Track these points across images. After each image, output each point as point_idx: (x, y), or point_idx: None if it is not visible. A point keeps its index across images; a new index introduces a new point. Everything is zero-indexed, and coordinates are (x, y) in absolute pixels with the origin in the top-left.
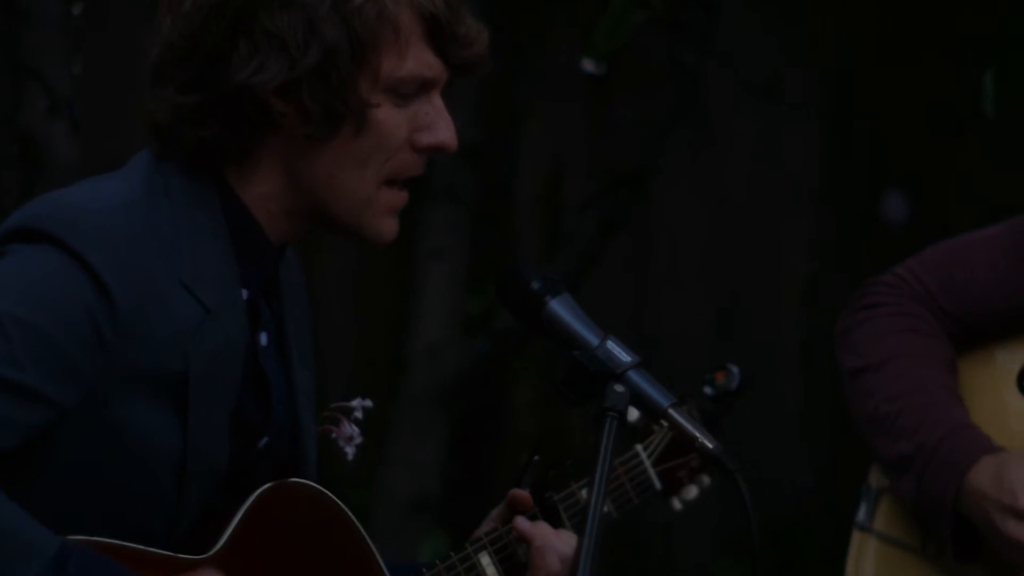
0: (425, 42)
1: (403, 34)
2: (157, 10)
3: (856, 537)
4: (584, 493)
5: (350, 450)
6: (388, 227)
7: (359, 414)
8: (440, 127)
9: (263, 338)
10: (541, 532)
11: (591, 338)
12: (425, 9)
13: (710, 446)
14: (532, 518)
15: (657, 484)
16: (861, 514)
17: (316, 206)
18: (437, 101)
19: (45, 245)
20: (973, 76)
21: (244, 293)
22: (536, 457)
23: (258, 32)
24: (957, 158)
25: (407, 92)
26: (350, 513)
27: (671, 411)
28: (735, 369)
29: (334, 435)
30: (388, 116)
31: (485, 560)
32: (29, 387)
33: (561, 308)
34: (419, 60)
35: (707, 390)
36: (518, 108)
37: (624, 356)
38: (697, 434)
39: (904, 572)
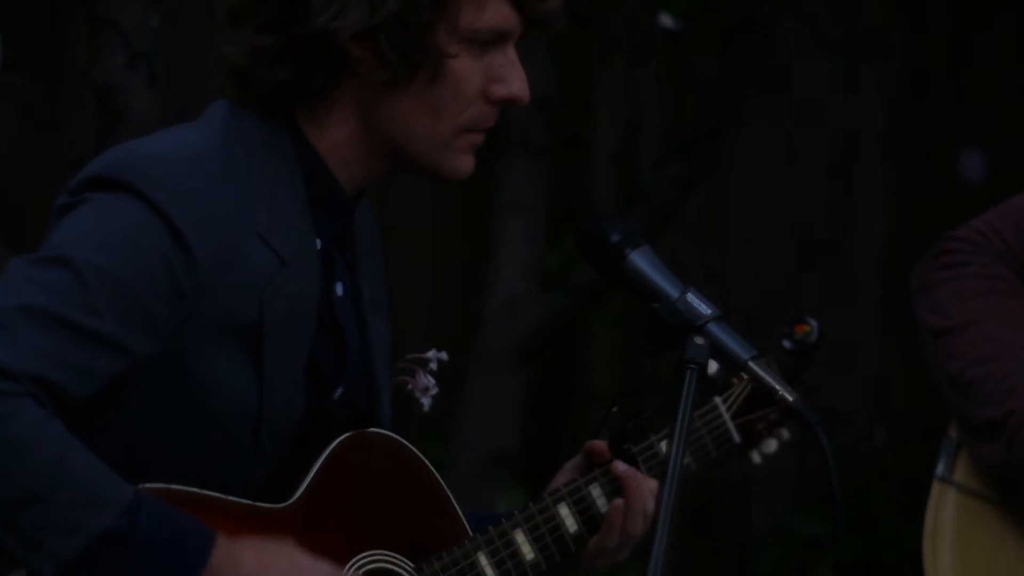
0: None
1: None
2: None
3: (936, 489)
4: (663, 446)
5: (426, 401)
6: (465, 163)
7: (434, 365)
8: (514, 79)
9: (338, 288)
10: (635, 478)
11: (671, 290)
12: None
13: (790, 399)
14: (609, 469)
15: (736, 437)
16: (941, 466)
17: (391, 149)
18: (511, 53)
19: (123, 194)
20: None
21: (318, 243)
22: (614, 408)
23: None
24: None
25: (484, 43)
26: (428, 463)
27: (751, 363)
28: (814, 323)
29: (410, 386)
30: (464, 66)
31: (564, 511)
32: (107, 335)
33: (641, 260)
34: (496, 12)
35: (786, 343)
36: (595, 63)
37: (705, 308)
38: (777, 386)
39: (984, 523)
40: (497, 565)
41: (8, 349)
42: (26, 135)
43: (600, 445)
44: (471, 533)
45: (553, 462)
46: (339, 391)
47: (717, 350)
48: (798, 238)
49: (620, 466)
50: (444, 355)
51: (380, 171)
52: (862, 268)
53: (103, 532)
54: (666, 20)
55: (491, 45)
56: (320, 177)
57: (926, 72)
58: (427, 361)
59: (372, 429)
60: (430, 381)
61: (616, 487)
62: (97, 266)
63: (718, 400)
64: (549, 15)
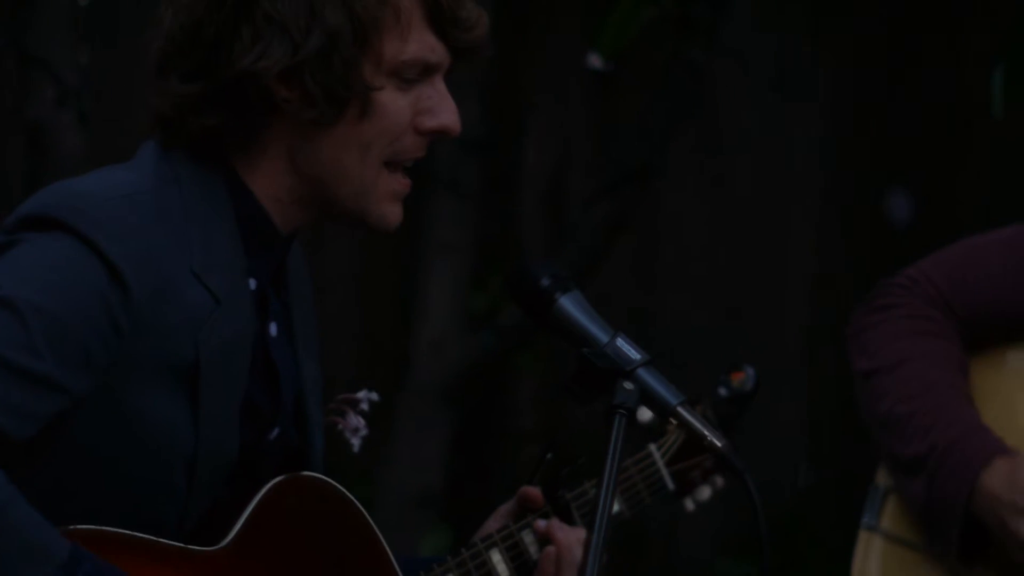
0: (427, 25)
1: (404, 17)
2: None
3: (862, 536)
4: (596, 492)
5: (356, 441)
6: (392, 213)
7: (365, 406)
8: (443, 110)
9: (273, 328)
10: (561, 529)
11: (601, 335)
12: None
13: (719, 444)
14: (543, 515)
15: (670, 484)
16: (867, 514)
17: (321, 192)
18: (440, 85)
19: (58, 233)
20: (980, 76)
21: (252, 283)
22: (549, 455)
23: (259, 18)
24: (962, 158)
25: (410, 76)
26: (360, 507)
27: (680, 409)
28: (750, 370)
29: (340, 426)
30: (391, 99)
31: (496, 557)
32: (48, 376)
33: (571, 305)
34: (421, 43)
35: (722, 391)
36: (523, 103)
37: (634, 353)
38: (706, 432)
39: (910, 571)
40: None
41: None
42: None
43: (534, 491)
44: None
45: (479, 502)
46: (275, 431)
47: (646, 395)
48: (728, 277)
49: (542, 524)
50: (375, 395)
51: (313, 217)
52: (791, 307)
53: None
54: (595, 61)
55: (419, 78)
56: (254, 217)
57: (855, 111)
58: (358, 402)
59: (305, 472)
60: (360, 422)
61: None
62: (36, 306)
63: (653, 447)
64: (475, 44)
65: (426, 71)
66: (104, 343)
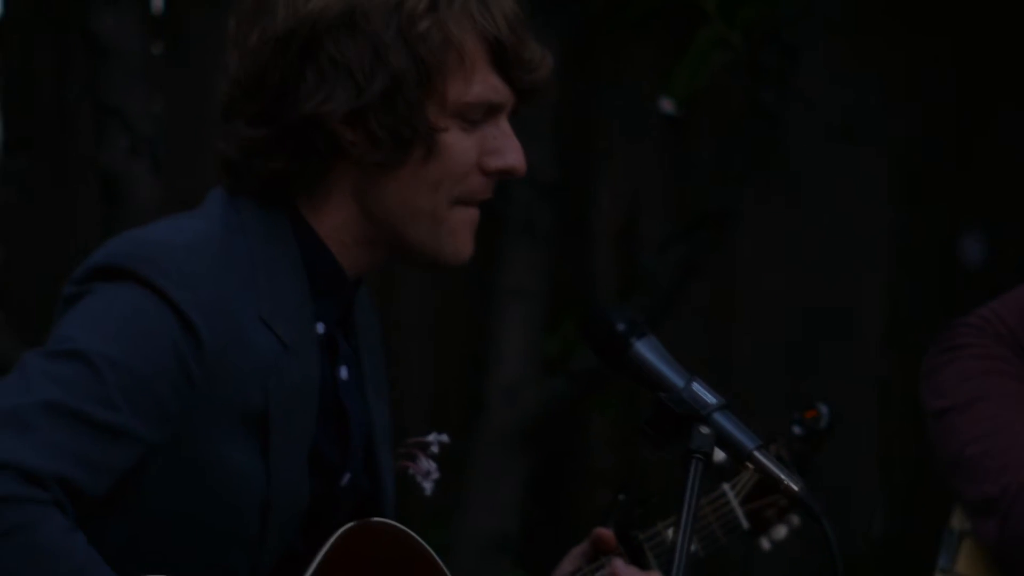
0: (490, 66)
1: (468, 59)
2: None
3: None
4: (669, 533)
5: (428, 485)
6: (464, 245)
7: (435, 449)
8: (508, 151)
9: (343, 372)
10: (632, 572)
11: (676, 380)
12: (489, 33)
13: (795, 488)
14: (617, 557)
15: (744, 524)
16: (942, 558)
17: (390, 233)
18: (504, 125)
19: (129, 283)
20: None
21: (320, 327)
22: (622, 496)
23: (324, 61)
24: None
25: (474, 117)
26: (432, 551)
27: (756, 453)
28: (824, 408)
29: (411, 470)
30: (456, 140)
31: None
32: (123, 428)
33: (647, 350)
34: (485, 84)
35: (796, 429)
36: (596, 147)
37: (710, 398)
38: (782, 476)
39: None
40: None
41: (32, 449)
42: (29, 219)
43: (607, 533)
44: None
45: (554, 546)
46: (347, 477)
47: (722, 440)
48: (801, 321)
49: (619, 567)
50: (445, 438)
51: (380, 258)
52: (865, 351)
53: None
54: (667, 106)
55: (483, 119)
56: (321, 261)
57: (928, 155)
58: (428, 445)
59: (376, 518)
60: (431, 465)
61: None
62: (110, 358)
63: (726, 487)
64: (539, 85)
65: (490, 112)
66: (177, 393)
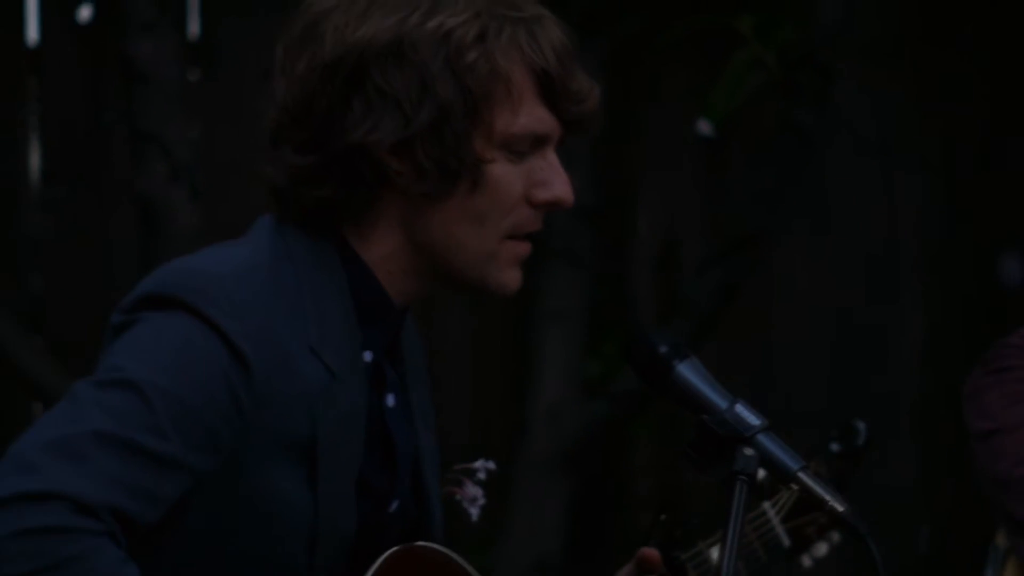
0: (538, 98)
1: (516, 90)
2: (272, 74)
3: None
4: (712, 553)
5: (474, 511)
6: (512, 278)
7: (482, 475)
8: (556, 183)
9: (390, 399)
10: None
11: (719, 402)
12: (537, 65)
13: (841, 509)
14: None
15: (786, 541)
16: (988, 574)
17: (437, 263)
18: (552, 157)
19: (178, 312)
20: None
21: (368, 355)
22: (663, 516)
23: (371, 91)
24: None
25: (521, 148)
26: (477, 574)
27: (801, 475)
28: (861, 426)
29: (458, 496)
30: (504, 172)
31: None
32: (174, 457)
33: (689, 372)
34: (532, 116)
35: (834, 447)
36: (634, 171)
37: (753, 419)
38: (827, 497)
39: None
40: None
41: (85, 479)
42: (67, 247)
43: (652, 553)
44: None
45: (596, 570)
46: (395, 504)
47: (766, 461)
48: (840, 340)
49: None
50: (492, 464)
51: (427, 288)
52: (903, 369)
53: None
54: (704, 127)
55: (530, 150)
56: (368, 289)
57: (961, 173)
58: (475, 471)
59: (420, 542)
60: (478, 491)
61: None
62: (160, 387)
63: (767, 505)
64: (586, 117)
65: (537, 143)
66: (227, 422)
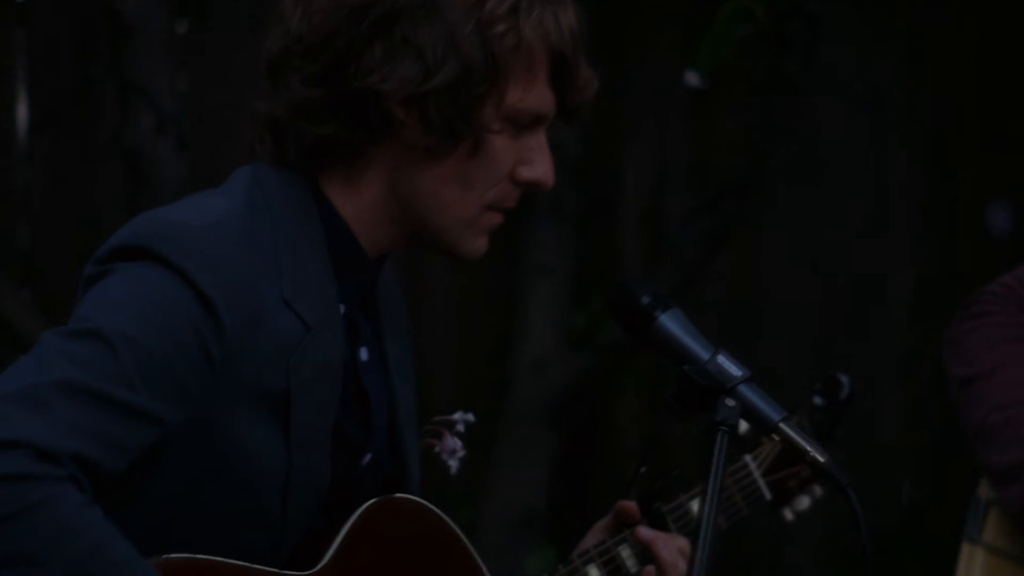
0: (548, 79)
1: (534, 67)
2: (279, 2)
3: (965, 549)
4: (692, 505)
5: (454, 464)
6: (481, 245)
7: (461, 427)
8: (541, 164)
9: (363, 353)
10: (665, 547)
11: (701, 352)
12: (556, 47)
13: (822, 460)
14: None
15: (767, 495)
16: (970, 527)
17: (414, 219)
18: (543, 138)
19: (151, 263)
20: None
21: (342, 308)
22: (644, 468)
23: (397, 38)
24: None
25: (522, 124)
26: (456, 528)
27: (782, 425)
28: (845, 379)
29: (437, 449)
30: (502, 143)
31: (594, 573)
32: (141, 407)
33: (671, 323)
34: (540, 95)
35: (817, 400)
36: (622, 124)
37: (735, 370)
38: (808, 448)
39: None
40: None
41: (48, 428)
42: (54, 199)
43: (630, 505)
44: None
45: (582, 522)
46: (367, 457)
47: (748, 412)
48: (828, 291)
49: (646, 532)
50: (471, 416)
51: (398, 239)
52: (892, 322)
53: None
54: (692, 79)
55: (528, 127)
56: (344, 243)
57: (954, 127)
58: (454, 423)
59: (399, 494)
60: (457, 443)
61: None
62: (129, 337)
63: (748, 458)
64: (581, 106)
65: (536, 122)
66: (197, 373)
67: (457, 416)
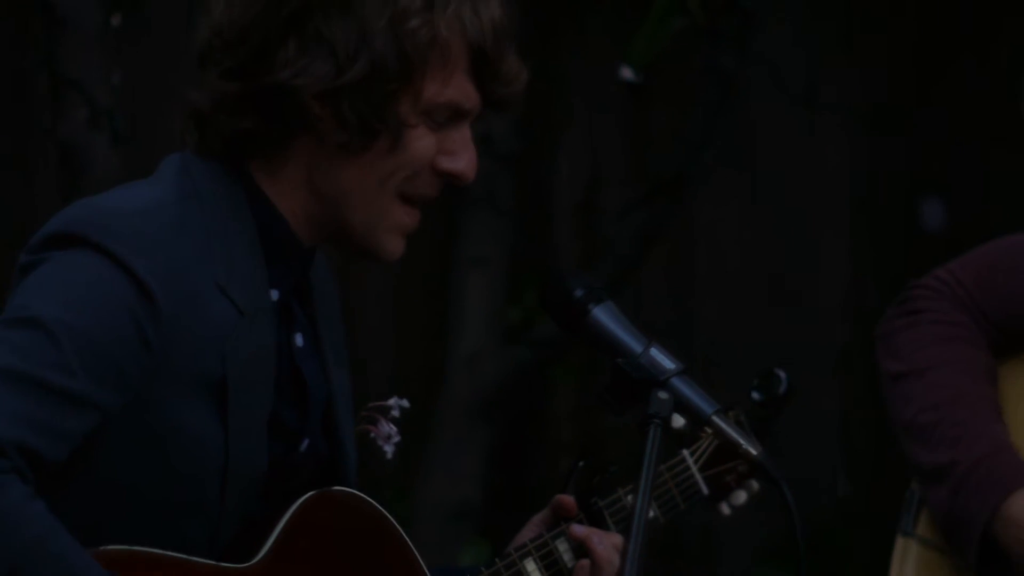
0: (468, 73)
1: (451, 62)
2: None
3: (899, 542)
4: (629, 499)
5: (389, 449)
6: (396, 246)
7: (396, 413)
8: (463, 156)
9: (299, 339)
10: (600, 543)
11: (635, 345)
12: (475, 41)
13: (754, 453)
14: (577, 523)
15: (704, 489)
16: (904, 519)
17: (332, 214)
18: (466, 132)
19: (84, 249)
20: (1014, 80)
21: (274, 294)
22: (581, 463)
23: (310, 33)
24: (995, 162)
25: (440, 119)
26: (393, 521)
27: (715, 418)
28: (782, 374)
29: (373, 434)
30: (420, 138)
31: (530, 566)
32: (81, 394)
33: (604, 315)
34: (460, 89)
35: (755, 395)
36: (557, 116)
37: (668, 363)
38: (741, 441)
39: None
40: None
41: None
42: None
43: (567, 499)
44: None
45: (516, 516)
46: (305, 443)
47: (681, 405)
48: (763, 283)
49: (579, 529)
50: (405, 402)
51: (323, 236)
52: (826, 315)
53: None
54: (626, 73)
55: (449, 121)
56: (275, 228)
57: (886, 118)
58: (389, 409)
59: (337, 487)
60: (392, 429)
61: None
62: (67, 324)
63: (686, 452)
64: (510, 99)
65: (457, 116)
66: (135, 358)
67: (392, 402)
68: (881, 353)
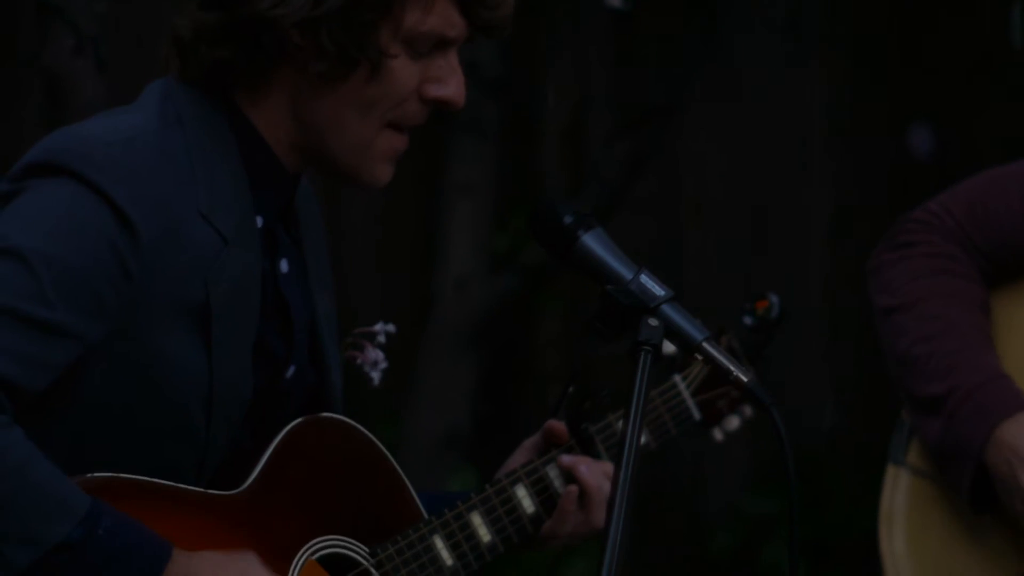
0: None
1: None
2: None
3: (890, 471)
4: (620, 425)
5: (375, 375)
6: (383, 172)
7: (382, 338)
8: (451, 83)
9: (283, 265)
10: (589, 470)
11: (624, 272)
12: None
13: (744, 379)
14: (568, 449)
15: (696, 415)
16: (894, 448)
17: (317, 143)
18: (452, 58)
19: (64, 179)
20: (1002, 10)
21: (259, 220)
22: (571, 388)
23: None
24: (985, 91)
25: (423, 48)
26: (381, 446)
27: (705, 344)
28: (775, 299)
29: (359, 360)
30: (402, 67)
31: (521, 492)
32: (60, 324)
33: (594, 242)
34: (443, 17)
35: (747, 320)
36: (543, 43)
37: (658, 290)
38: (731, 367)
39: (936, 504)
40: (453, 547)
41: None
42: None
43: (558, 425)
44: (426, 516)
45: (503, 443)
46: (291, 370)
47: (671, 331)
48: (749, 213)
49: (567, 459)
50: (392, 327)
51: (308, 164)
52: (813, 244)
53: (60, 542)
54: (614, 1)
55: (433, 49)
56: (259, 154)
57: (875, 49)
58: (375, 335)
59: (325, 414)
60: (379, 355)
61: None
62: (45, 254)
63: (677, 378)
64: (498, 24)
65: (441, 44)
66: (115, 288)
67: (378, 327)
68: (872, 288)
